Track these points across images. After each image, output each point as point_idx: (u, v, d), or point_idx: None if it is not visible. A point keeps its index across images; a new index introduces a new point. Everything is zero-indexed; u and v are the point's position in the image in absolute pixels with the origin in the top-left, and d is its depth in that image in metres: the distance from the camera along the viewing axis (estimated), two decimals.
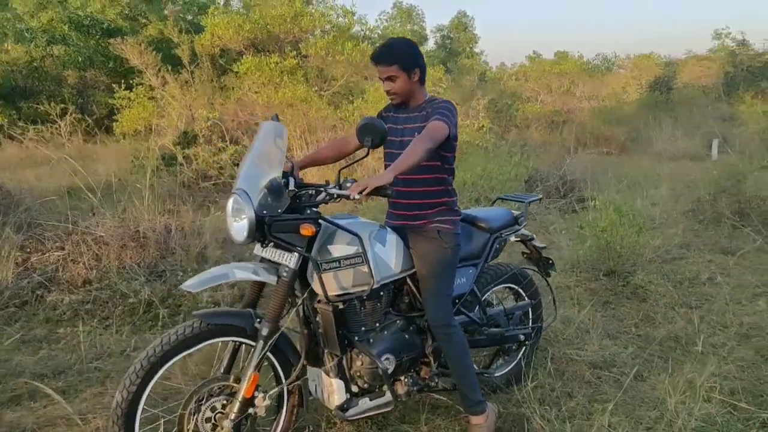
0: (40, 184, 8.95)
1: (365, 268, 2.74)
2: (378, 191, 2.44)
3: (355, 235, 2.73)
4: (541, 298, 3.61)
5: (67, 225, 5.56)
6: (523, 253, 3.73)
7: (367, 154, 2.57)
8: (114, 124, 14.03)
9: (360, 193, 2.42)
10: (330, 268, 2.66)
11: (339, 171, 2.70)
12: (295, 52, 9.34)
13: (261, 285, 2.79)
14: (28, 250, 5.32)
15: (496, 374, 3.41)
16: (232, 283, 4.73)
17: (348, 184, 2.54)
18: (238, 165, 9.35)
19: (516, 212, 3.45)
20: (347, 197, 2.48)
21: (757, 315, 4.42)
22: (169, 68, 10.56)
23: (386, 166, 3.02)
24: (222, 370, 2.72)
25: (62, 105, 14.24)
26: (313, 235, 2.56)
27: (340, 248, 2.71)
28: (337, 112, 9.39)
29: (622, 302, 4.69)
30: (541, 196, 3.73)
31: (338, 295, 2.69)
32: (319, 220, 2.64)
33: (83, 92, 17.72)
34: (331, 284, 2.66)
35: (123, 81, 12.99)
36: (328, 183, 2.74)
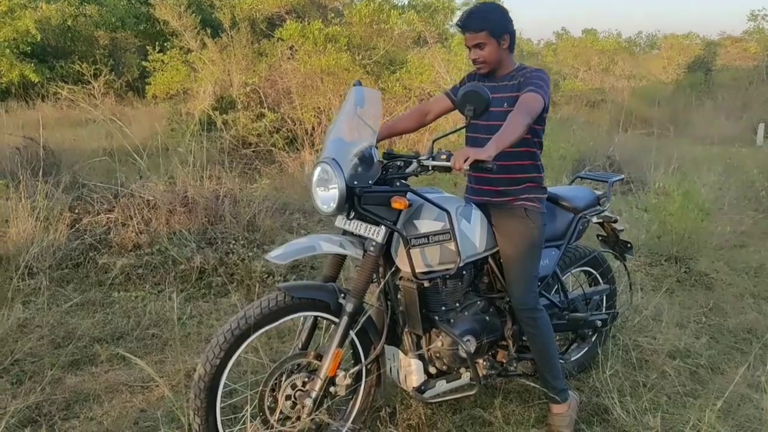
0: (80, 145, 8.91)
1: (452, 246, 2.61)
2: (479, 165, 2.29)
3: (444, 209, 2.59)
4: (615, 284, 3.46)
5: (115, 187, 5.49)
6: (598, 235, 3.57)
7: (468, 124, 2.40)
8: (147, 86, 13.94)
9: (460, 164, 2.27)
10: (418, 244, 2.53)
11: (433, 141, 2.55)
12: (338, 19, 9.13)
13: (342, 259, 2.67)
14: (77, 211, 5.26)
15: (570, 360, 3.29)
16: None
17: (443, 156, 2.40)
18: (277, 132, 9.23)
19: (598, 192, 3.28)
20: (448, 169, 2.34)
21: None
22: (208, 32, 10.38)
23: (468, 138, 2.87)
24: (300, 346, 2.62)
25: (94, 66, 14.15)
26: (406, 208, 2.43)
27: (427, 223, 2.57)
28: (379, 82, 9.18)
29: (686, 290, 4.52)
30: (623, 176, 3.55)
31: (424, 273, 2.56)
32: (408, 193, 2.50)
33: (114, 54, 17.61)
34: (419, 261, 2.54)
35: (154, 43, 12.86)
36: (417, 154, 2.60)
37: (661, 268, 4.89)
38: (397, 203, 2.40)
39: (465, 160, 2.26)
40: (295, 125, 9.30)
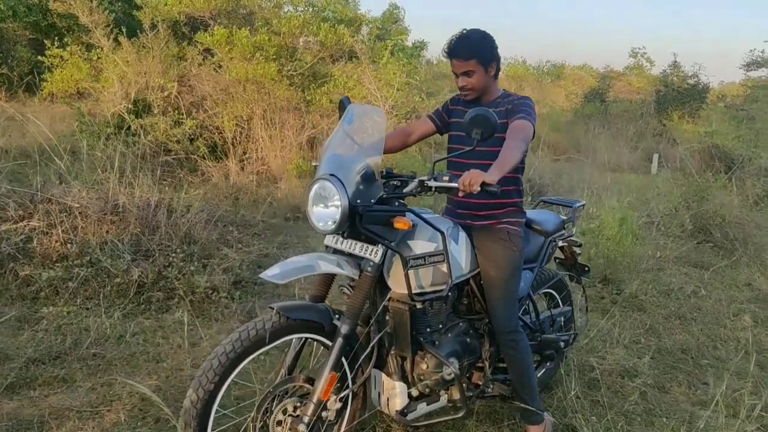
0: None
1: (444, 267, 2.60)
2: (484, 188, 2.30)
3: (438, 230, 2.57)
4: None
5: (31, 192, 5.05)
6: (556, 258, 3.68)
7: (473, 148, 2.40)
8: (42, 83, 12.99)
9: (470, 187, 2.26)
10: (416, 265, 2.49)
11: (434, 163, 2.53)
12: (265, 28, 8.95)
13: (331, 278, 2.59)
14: None
15: None
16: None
17: (445, 177, 2.39)
18: (196, 139, 8.88)
19: (563, 217, 3.39)
20: (454, 191, 2.32)
21: (747, 330, 4.59)
22: (123, 30, 9.84)
23: (451, 163, 2.88)
24: (286, 369, 2.50)
25: None
26: (409, 229, 2.38)
27: (422, 244, 2.55)
28: (305, 94, 9.06)
29: (622, 311, 4.74)
30: (584, 202, 3.68)
31: (418, 294, 2.53)
32: (407, 213, 2.47)
33: (1, 45, 16.33)
34: (414, 282, 2.50)
35: (46, 37, 12.01)
36: (414, 174, 2.58)
37: (595, 289, 5.12)
38: (400, 223, 2.36)
39: (474, 183, 2.26)
40: (213, 134, 9.00)
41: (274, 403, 2.33)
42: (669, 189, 8.80)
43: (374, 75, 8.59)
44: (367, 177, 2.37)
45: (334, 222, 2.35)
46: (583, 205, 3.61)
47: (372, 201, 2.37)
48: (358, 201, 2.33)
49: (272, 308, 2.31)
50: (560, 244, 3.36)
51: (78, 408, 2.94)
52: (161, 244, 4.76)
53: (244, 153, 8.88)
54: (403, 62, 8.76)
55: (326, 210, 2.38)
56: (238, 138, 8.95)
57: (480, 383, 2.93)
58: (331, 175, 2.36)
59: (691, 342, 4.27)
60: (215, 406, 2.17)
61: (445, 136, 3.03)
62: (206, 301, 4.19)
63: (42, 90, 12.93)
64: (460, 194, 2.34)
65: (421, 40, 10.27)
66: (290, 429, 2.33)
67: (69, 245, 4.53)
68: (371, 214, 2.36)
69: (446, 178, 2.38)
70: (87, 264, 4.35)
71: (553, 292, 3.48)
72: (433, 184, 2.39)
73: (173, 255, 4.55)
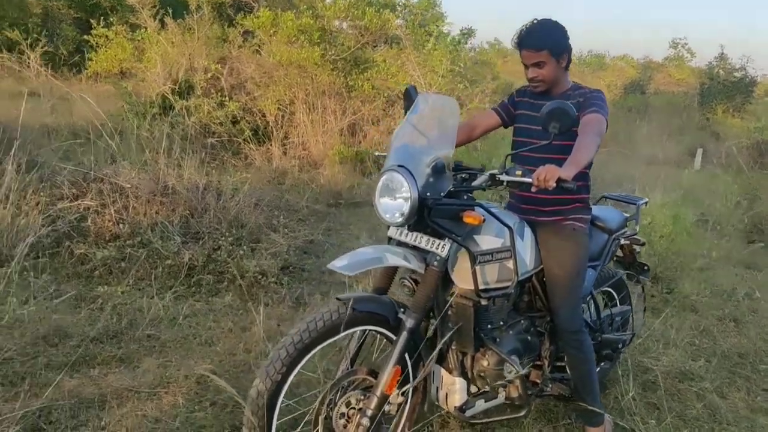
0: (26, 120, 8.28)
1: (510, 263, 2.55)
2: (560, 184, 2.23)
3: (506, 226, 2.52)
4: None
5: (84, 170, 5.12)
6: (615, 256, 3.59)
7: (550, 142, 2.34)
8: (88, 62, 13.16)
9: (545, 182, 2.20)
10: (483, 261, 2.45)
11: (506, 156, 2.47)
12: (309, 11, 8.91)
13: (394, 271, 2.56)
14: (43, 194, 4.85)
15: None
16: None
17: (518, 171, 2.33)
18: (238, 122, 8.91)
19: (626, 214, 3.31)
20: (527, 187, 2.26)
21: None
22: (169, 11, 9.90)
23: (515, 156, 2.82)
24: (349, 361, 2.49)
25: (27, 35, 13.20)
26: (480, 224, 2.33)
27: (489, 239, 2.49)
28: (348, 79, 9.02)
29: (674, 311, 4.63)
30: (647, 199, 3.59)
31: (484, 290, 2.49)
32: (477, 208, 2.42)
33: (47, 24, 16.58)
34: (480, 278, 2.45)
35: (91, 16, 12.15)
36: (483, 168, 2.53)
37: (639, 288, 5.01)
38: (470, 218, 2.31)
39: (550, 178, 2.20)
40: (255, 117, 9.02)
41: (338, 396, 2.32)
42: (717, 186, 8.58)
43: (418, 61, 8.50)
44: (438, 169, 2.32)
45: (402, 214, 2.31)
46: (646, 203, 3.51)
47: (441, 194, 2.32)
48: (428, 194, 2.29)
49: (339, 299, 2.29)
50: (622, 242, 3.28)
51: (136, 389, 2.97)
52: (210, 227, 4.79)
53: (286, 137, 8.89)
54: (450, 48, 8.65)
55: (394, 202, 2.34)
56: (279, 122, 8.97)
57: (538, 382, 2.87)
58: (400, 166, 2.32)
59: (749, 346, 4.15)
60: (281, 397, 2.16)
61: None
62: (255, 286, 4.20)
63: (87, 69, 13.12)
64: (534, 189, 2.28)
65: (468, 27, 10.15)
66: (353, 422, 2.31)
67: (121, 225, 4.59)
68: (440, 208, 2.31)
69: (519, 172, 2.32)
70: (138, 245, 4.40)
71: (612, 291, 3.41)
72: (505, 178, 2.34)
73: (222, 238, 4.57)
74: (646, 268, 3.50)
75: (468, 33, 9.49)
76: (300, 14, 8.98)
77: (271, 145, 8.43)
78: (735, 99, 19.17)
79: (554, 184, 2.19)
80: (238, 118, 8.77)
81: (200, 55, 9.49)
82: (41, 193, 4.73)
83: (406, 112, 2.69)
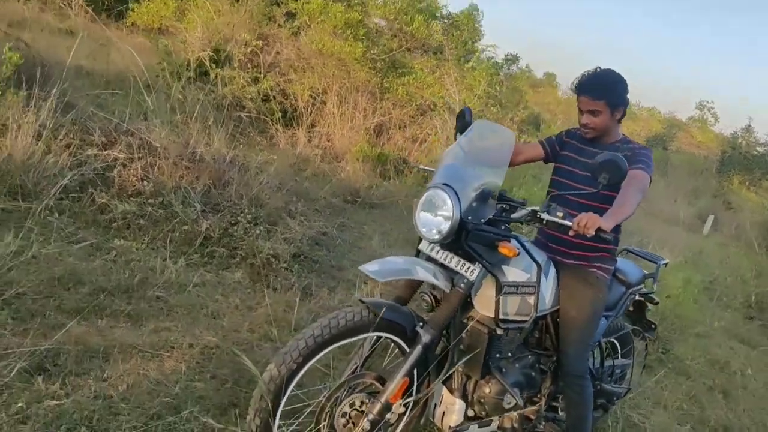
0: (63, 59, 8.31)
1: (532, 299, 2.59)
2: (598, 233, 2.28)
3: (536, 262, 2.56)
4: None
5: (117, 121, 5.15)
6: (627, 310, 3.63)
7: (598, 191, 2.38)
8: (128, 12, 13.18)
9: (585, 229, 2.24)
10: (508, 292, 2.49)
11: (549, 196, 2.51)
12: (359, 7, 8.96)
13: (418, 284, 2.60)
14: (73, 137, 4.88)
15: None
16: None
17: (559, 213, 2.37)
18: (268, 101, 8.94)
19: (646, 272, 3.35)
20: (565, 229, 2.30)
21: None
22: None
23: (549, 193, 2.86)
24: (360, 364, 2.53)
25: None
26: (515, 256, 2.38)
27: (516, 272, 2.54)
28: (384, 81, 9.07)
29: (665, 372, 4.67)
30: (667, 260, 3.63)
31: (503, 320, 2.53)
32: (512, 240, 2.46)
33: None
34: (502, 308, 2.50)
35: None
36: (525, 201, 2.57)
37: (639, 345, 5.05)
38: (506, 249, 2.35)
39: (591, 226, 2.24)
40: (286, 99, 9.06)
41: (344, 395, 2.36)
42: (725, 256, 8.64)
43: (456, 77, 8.55)
44: (484, 196, 2.37)
45: (439, 232, 2.36)
46: (666, 264, 3.56)
47: (482, 220, 2.37)
48: (469, 217, 2.33)
49: (363, 302, 2.33)
50: (636, 297, 3.32)
51: (140, 347, 3.00)
52: (230, 201, 4.82)
53: (312, 125, 8.93)
54: (492, 71, 8.71)
55: (434, 218, 2.38)
56: (309, 108, 9.01)
57: (532, 418, 2.91)
58: (447, 185, 2.36)
59: (734, 421, 4.20)
60: (293, 385, 2.20)
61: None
62: (266, 267, 4.23)
63: (126, 19, 13.13)
64: (572, 233, 2.32)
65: (514, 53, 10.21)
66: (354, 423, 2.35)
67: (145, 182, 4.61)
68: (479, 234, 2.35)
69: (560, 214, 2.36)
70: (159, 205, 4.43)
71: (617, 343, 3.44)
72: (546, 217, 2.38)
73: (241, 215, 4.61)
74: (653, 326, 3.54)
75: (512, 60, 9.54)
76: (350, 8, 9.03)
77: (297, 130, 8.47)
78: (753, 172, 19.28)
79: (593, 233, 2.23)
80: (270, 98, 8.82)
81: (243, 28, 9.53)
82: (73, 137, 4.77)
83: (457, 132, 2.75)
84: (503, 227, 2.46)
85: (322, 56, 9.01)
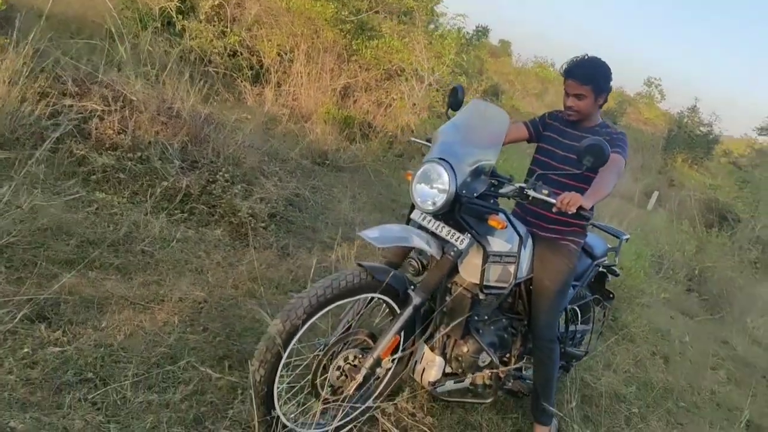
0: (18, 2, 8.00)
1: (512, 268, 2.80)
2: (578, 211, 2.48)
3: (518, 234, 2.77)
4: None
5: (93, 72, 5.09)
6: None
7: (581, 173, 2.57)
8: None
9: (567, 206, 2.45)
10: (492, 261, 2.69)
11: (535, 174, 2.70)
12: None
13: (409, 251, 2.77)
14: (45, 85, 4.81)
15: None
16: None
17: (545, 191, 2.56)
18: (235, 55, 8.86)
19: (610, 245, 3.61)
20: (549, 206, 2.50)
21: (722, 385, 4.93)
22: None
23: (531, 171, 3.06)
24: (353, 323, 2.70)
25: None
26: (503, 229, 2.57)
27: (500, 243, 2.74)
28: (352, 43, 9.08)
29: (615, 338, 5.02)
30: (629, 235, 3.91)
31: (486, 287, 2.74)
32: (500, 213, 2.65)
33: None
34: (486, 275, 2.70)
35: None
36: (512, 178, 2.75)
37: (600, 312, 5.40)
38: (495, 222, 2.55)
39: (573, 204, 2.45)
40: (253, 56, 8.99)
41: (340, 349, 2.54)
42: (672, 231, 9.13)
43: (426, 44, 8.64)
44: (478, 172, 2.55)
45: (434, 203, 2.53)
46: (628, 239, 3.83)
47: (474, 194, 2.55)
48: (464, 191, 2.51)
49: (361, 266, 2.50)
50: (600, 269, 3.59)
51: (132, 299, 3.10)
52: (207, 158, 4.87)
53: (279, 84, 8.90)
54: (464, 41, 8.82)
55: (430, 190, 2.55)
56: (276, 67, 8.97)
57: (502, 376, 3.16)
58: (443, 160, 2.52)
59: (674, 383, 4.59)
60: (295, 340, 2.36)
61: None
62: (245, 226, 4.34)
63: None
64: (554, 210, 2.52)
65: (485, 25, 10.29)
66: (346, 375, 2.54)
67: (122, 136, 4.61)
68: (471, 206, 2.54)
69: (545, 192, 2.55)
70: (138, 159, 4.45)
71: (578, 310, 3.71)
72: (532, 194, 2.57)
73: (219, 173, 4.67)
74: (611, 296, 3.83)
75: (483, 32, 9.64)
76: None
77: (264, 88, 8.44)
78: (696, 151, 20.12)
79: (574, 210, 2.44)
80: (237, 53, 8.74)
81: None
82: (48, 86, 4.70)
83: (449, 109, 2.91)
84: (492, 201, 2.65)
85: (290, 14, 8.94)
